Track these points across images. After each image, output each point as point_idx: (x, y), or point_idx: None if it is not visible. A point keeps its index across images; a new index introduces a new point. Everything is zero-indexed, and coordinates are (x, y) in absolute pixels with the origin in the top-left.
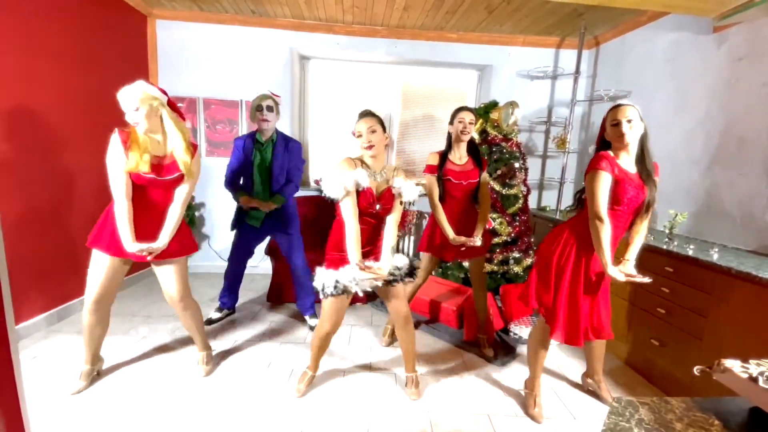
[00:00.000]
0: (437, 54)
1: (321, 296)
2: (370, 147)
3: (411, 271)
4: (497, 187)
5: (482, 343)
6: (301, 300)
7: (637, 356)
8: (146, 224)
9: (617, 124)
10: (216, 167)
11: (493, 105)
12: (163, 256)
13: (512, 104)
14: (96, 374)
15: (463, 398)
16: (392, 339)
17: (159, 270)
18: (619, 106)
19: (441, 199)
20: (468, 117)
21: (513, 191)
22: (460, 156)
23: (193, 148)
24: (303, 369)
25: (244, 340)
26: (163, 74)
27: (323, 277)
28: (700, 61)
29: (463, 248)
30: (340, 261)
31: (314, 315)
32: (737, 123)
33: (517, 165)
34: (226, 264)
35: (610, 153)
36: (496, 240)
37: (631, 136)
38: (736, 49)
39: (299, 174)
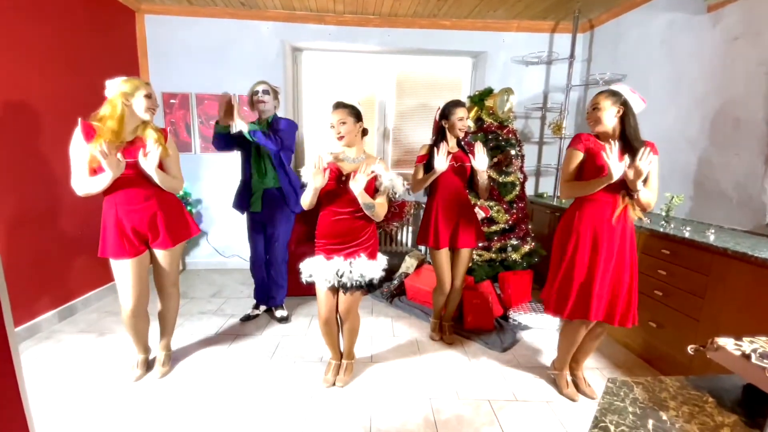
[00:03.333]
0: (431, 42)
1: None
2: (341, 138)
3: (371, 286)
4: (494, 175)
5: (446, 329)
6: (272, 293)
7: (635, 339)
8: (130, 217)
9: (588, 110)
10: (211, 163)
11: (488, 92)
12: (161, 246)
13: (507, 91)
14: (148, 362)
15: (464, 384)
16: (441, 333)
17: (156, 254)
18: (598, 93)
19: (435, 185)
20: (463, 113)
21: (510, 178)
22: (451, 146)
23: (163, 133)
24: (306, 360)
25: (246, 333)
26: (154, 70)
27: (305, 264)
28: (696, 42)
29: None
30: (318, 250)
31: (280, 307)
32: (733, 103)
33: (513, 152)
34: (224, 259)
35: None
36: (494, 228)
37: (595, 123)
38: (731, 28)
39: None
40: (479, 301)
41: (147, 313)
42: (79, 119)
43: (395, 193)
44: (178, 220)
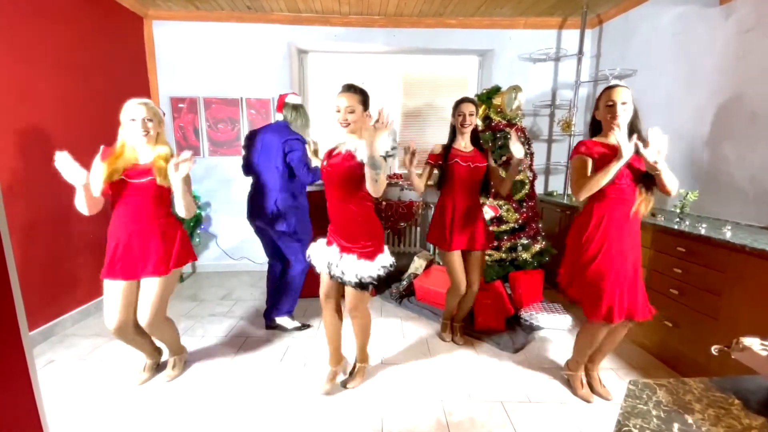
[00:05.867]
0: (437, 41)
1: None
2: (346, 125)
3: (365, 284)
4: (503, 174)
5: (456, 330)
6: (280, 304)
7: (650, 338)
8: (134, 238)
9: (612, 105)
10: (220, 167)
11: (496, 90)
12: (158, 271)
13: (515, 89)
14: (156, 366)
15: (476, 386)
16: (452, 334)
17: (144, 284)
18: (615, 86)
19: (449, 186)
20: (468, 109)
21: (519, 177)
22: (465, 145)
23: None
24: (316, 363)
25: (256, 336)
26: (162, 75)
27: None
28: (708, 35)
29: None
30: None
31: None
32: (748, 97)
33: None
34: (233, 262)
35: (596, 139)
36: (503, 227)
37: (623, 118)
38: (744, 20)
39: None
40: (490, 302)
41: (135, 328)
42: (102, 146)
43: (386, 152)
44: (181, 245)
